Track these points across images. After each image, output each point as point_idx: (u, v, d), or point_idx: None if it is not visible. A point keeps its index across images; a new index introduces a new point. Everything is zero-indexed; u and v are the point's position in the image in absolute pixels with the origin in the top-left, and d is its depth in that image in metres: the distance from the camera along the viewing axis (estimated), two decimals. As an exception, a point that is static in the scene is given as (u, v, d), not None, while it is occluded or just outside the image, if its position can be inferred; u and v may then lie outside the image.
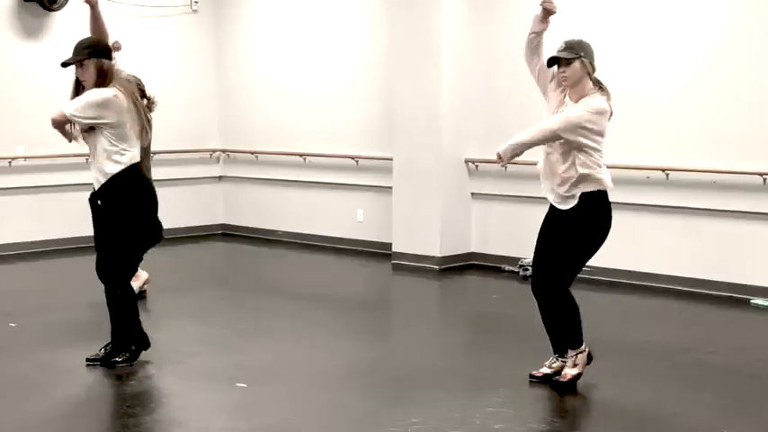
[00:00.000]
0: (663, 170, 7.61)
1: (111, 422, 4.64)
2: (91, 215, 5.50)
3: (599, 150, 4.96)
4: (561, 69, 4.96)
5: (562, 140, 4.91)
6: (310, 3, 9.99)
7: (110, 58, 5.33)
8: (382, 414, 4.70)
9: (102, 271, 5.45)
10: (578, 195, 4.96)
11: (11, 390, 5.06)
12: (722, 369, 5.54)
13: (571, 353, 5.13)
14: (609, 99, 4.98)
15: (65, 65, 5.34)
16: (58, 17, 9.43)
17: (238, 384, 5.13)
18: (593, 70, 4.98)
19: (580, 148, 4.90)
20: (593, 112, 4.90)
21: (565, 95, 5.02)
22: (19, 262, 9.05)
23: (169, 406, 4.89)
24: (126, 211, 5.31)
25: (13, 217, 9.38)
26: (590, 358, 5.16)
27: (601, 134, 4.94)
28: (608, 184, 5.00)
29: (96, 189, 5.34)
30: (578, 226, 5.01)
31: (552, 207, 5.09)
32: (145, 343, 5.54)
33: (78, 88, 5.33)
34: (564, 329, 5.13)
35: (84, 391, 5.17)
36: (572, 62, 4.90)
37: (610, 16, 7.87)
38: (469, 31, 8.60)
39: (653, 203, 7.72)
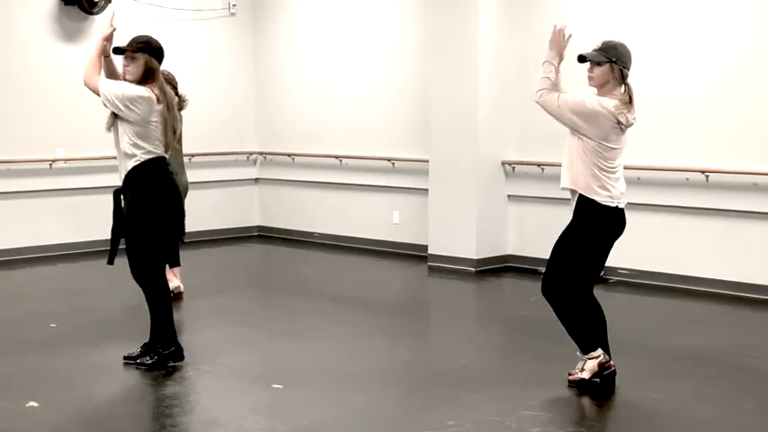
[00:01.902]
0: (702, 172, 7.52)
1: (148, 422, 4.67)
2: (113, 210, 5.48)
3: (598, 154, 4.89)
4: (589, 68, 4.96)
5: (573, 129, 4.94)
6: (347, 6, 10.02)
7: (160, 60, 5.38)
8: (418, 416, 4.69)
9: (135, 269, 5.45)
10: (578, 196, 4.97)
11: (50, 389, 5.12)
12: (765, 374, 5.46)
13: (581, 357, 5.11)
14: (627, 111, 4.89)
15: (117, 51, 5.36)
16: (98, 21, 9.54)
17: (274, 385, 5.15)
18: (624, 77, 4.92)
19: (581, 140, 4.91)
20: (581, 102, 4.86)
21: None
22: (59, 263, 9.17)
23: (206, 406, 4.92)
24: (145, 204, 5.32)
25: (53, 218, 9.51)
26: (603, 369, 5.06)
27: (598, 138, 4.86)
28: (601, 198, 4.91)
29: (122, 182, 5.37)
30: (573, 227, 5.02)
31: None
32: (178, 354, 5.52)
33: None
34: (572, 331, 5.11)
35: (123, 391, 5.22)
36: (601, 64, 4.89)
37: (649, 16, 7.80)
38: (506, 33, 8.57)
39: (692, 205, 7.63)
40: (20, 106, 9.26)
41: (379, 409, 4.84)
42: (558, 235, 5.14)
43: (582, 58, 4.95)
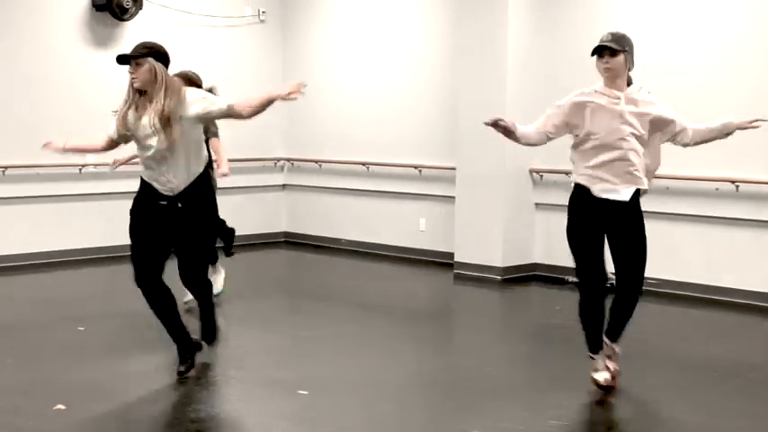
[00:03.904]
0: (732, 182, 7.45)
1: (174, 427, 4.69)
2: (154, 223, 5.32)
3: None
4: (605, 60, 4.95)
5: None
6: (376, 13, 10.04)
7: (166, 65, 5.21)
8: (443, 424, 4.68)
9: (191, 275, 5.48)
10: (634, 191, 5.12)
11: (77, 392, 5.16)
12: (793, 386, 5.40)
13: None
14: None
15: (121, 60, 5.13)
16: (129, 27, 9.63)
17: (300, 392, 5.16)
18: (632, 67, 5.02)
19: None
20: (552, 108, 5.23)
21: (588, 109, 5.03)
22: (89, 267, 9.24)
23: (232, 411, 4.94)
24: (205, 211, 5.45)
25: (82, 223, 9.59)
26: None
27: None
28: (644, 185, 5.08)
29: (176, 192, 5.22)
30: (639, 221, 5.18)
31: None
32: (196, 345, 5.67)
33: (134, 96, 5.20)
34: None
35: (149, 394, 5.25)
36: (618, 54, 4.92)
37: (678, 20, 7.75)
38: (535, 42, 8.55)
39: (722, 215, 7.57)
40: (51, 111, 9.35)
41: (405, 417, 4.84)
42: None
43: (601, 48, 4.93)
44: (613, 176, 4.96)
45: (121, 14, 9.48)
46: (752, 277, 7.44)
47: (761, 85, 7.33)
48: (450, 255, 9.06)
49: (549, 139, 5.22)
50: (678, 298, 7.71)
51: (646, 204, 7.60)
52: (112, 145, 5.43)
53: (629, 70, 5.02)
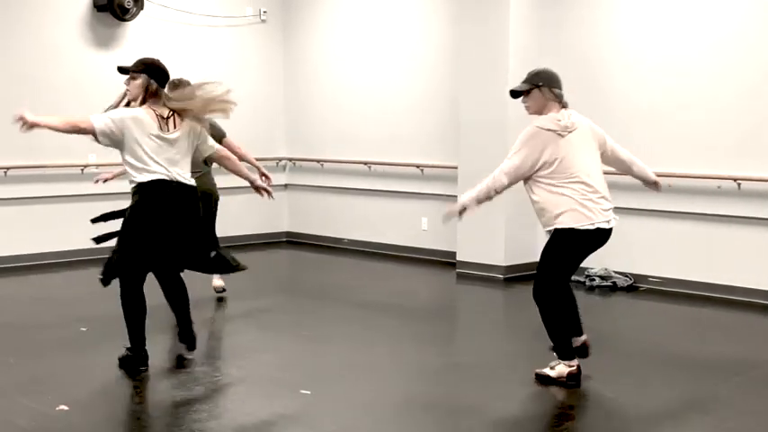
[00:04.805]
0: (734, 179, 7.45)
1: (177, 427, 4.70)
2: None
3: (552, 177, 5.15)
4: (523, 100, 5.29)
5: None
6: (377, 12, 10.05)
7: (161, 82, 5.50)
8: (445, 423, 4.68)
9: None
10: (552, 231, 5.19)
11: (80, 393, 5.16)
12: (796, 384, 5.40)
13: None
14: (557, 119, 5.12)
15: (121, 70, 5.67)
16: (130, 27, 9.65)
17: (302, 391, 5.16)
18: (557, 96, 5.18)
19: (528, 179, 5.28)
20: (514, 154, 5.28)
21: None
22: (92, 267, 9.23)
23: (234, 411, 4.94)
24: None
25: (85, 223, 9.58)
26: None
27: (545, 161, 5.18)
28: (565, 224, 5.09)
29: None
30: None
31: None
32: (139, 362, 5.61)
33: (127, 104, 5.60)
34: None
35: (152, 395, 5.26)
36: (530, 92, 5.20)
37: (680, 25, 7.75)
38: (537, 40, 8.55)
39: (724, 213, 7.56)
40: (53, 111, 9.34)
41: (407, 416, 4.84)
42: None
43: (514, 94, 5.28)
44: None
45: (122, 15, 9.49)
46: (754, 275, 7.44)
47: (761, 85, 7.34)
48: (453, 254, 9.06)
49: None
50: (679, 296, 7.70)
51: (648, 202, 7.65)
52: None
53: (556, 100, 5.22)
